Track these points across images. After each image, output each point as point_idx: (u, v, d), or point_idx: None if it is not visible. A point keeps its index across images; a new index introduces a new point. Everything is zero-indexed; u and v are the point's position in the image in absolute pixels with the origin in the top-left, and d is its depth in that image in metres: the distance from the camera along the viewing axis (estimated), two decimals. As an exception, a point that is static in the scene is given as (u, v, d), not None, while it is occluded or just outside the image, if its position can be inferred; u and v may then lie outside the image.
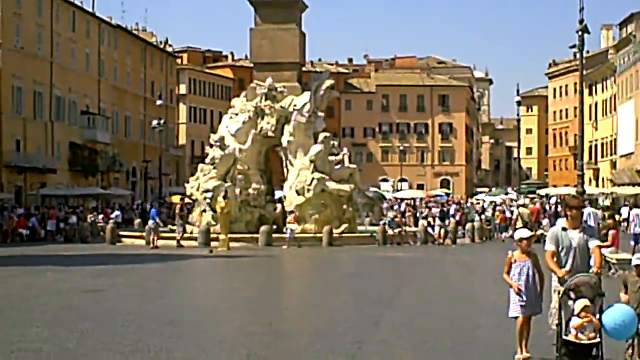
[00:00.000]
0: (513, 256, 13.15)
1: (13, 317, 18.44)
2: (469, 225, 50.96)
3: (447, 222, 51.27)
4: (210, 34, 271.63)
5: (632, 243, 33.69)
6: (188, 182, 51.16)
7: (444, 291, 24.42)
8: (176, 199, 70.55)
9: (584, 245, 12.07)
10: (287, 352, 14.82)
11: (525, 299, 12.85)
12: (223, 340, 15.58)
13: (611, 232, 27.45)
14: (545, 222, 47.81)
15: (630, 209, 48.59)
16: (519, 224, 39.21)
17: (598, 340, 11.36)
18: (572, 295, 11.58)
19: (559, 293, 11.83)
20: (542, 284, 12.98)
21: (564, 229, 12.19)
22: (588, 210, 36.19)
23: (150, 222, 44.51)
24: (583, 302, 11.43)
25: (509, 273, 13.17)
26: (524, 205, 52.18)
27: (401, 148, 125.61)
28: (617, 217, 51.69)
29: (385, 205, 61.35)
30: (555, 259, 12.14)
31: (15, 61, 69.46)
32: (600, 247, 12.43)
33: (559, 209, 49.60)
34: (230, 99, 78.76)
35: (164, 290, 24.21)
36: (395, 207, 64.49)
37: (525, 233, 13.48)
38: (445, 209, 59.02)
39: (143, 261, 34.98)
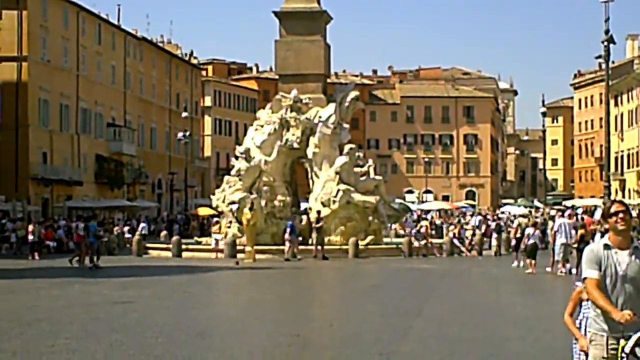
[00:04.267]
0: (583, 291, 9.12)
1: (41, 328, 18.50)
2: (495, 237, 50.69)
3: (502, 234, 50.10)
4: (235, 45, 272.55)
5: None
6: (213, 194, 51.19)
7: (471, 302, 24.35)
8: (203, 211, 70.73)
9: (638, 272, 8.08)
10: (315, 363, 14.81)
11: None
12: (250, 351, 15.58)
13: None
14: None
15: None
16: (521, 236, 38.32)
17: None
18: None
19: (611, 347, 7.97)
20: None
21: (607, 247, 8.14)
22: (560, 220, 35.91)
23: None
24: None
25: (572, 315, 9.42)
26: (523, 216, 51.62)
27: (426, 159, 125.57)
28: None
29: (407, 218, 60.81)
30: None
31: (42, 74, 69.99)
32: None
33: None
34: (255, 110, 79.01)
35: (191, 302, 24.25)
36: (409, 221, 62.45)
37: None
38: (501, 223, 56.82)
39: (170, 273, 35.08)
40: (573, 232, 34.06)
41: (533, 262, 33.62)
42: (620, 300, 7.98)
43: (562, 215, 37.03)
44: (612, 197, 49.16)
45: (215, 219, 51.07)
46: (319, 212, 45.37)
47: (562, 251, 33.05)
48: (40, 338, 16.93)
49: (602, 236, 9.16)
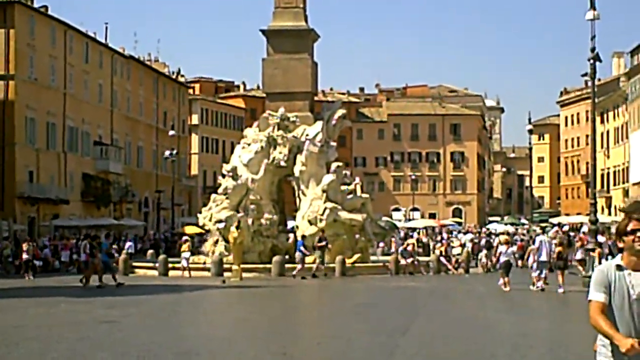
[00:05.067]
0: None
1: (28, 347, 18.45)
2: (481, 254, 50.77)
3: (491, 251, 49.77)
4: (222, 63, 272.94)
5: None
6: (200, 212, 51.12)
7: (458, 320, 24.37)
8: (189, 230, 70.62)
9: None
10: (302, 382, 14.80)
11: None
12: (238, 371, 15.55)
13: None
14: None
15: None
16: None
17: None
18: None
19: None
20: None
21: (619, 268, 7.28)
22: (540, 237, 36.46)
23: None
24: None
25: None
26: (503, 233, 51.69)
27: (413, 177, 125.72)
28: None
29: (393, 237, 60.79)
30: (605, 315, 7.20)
31: (29, 92, 69.94)
32: None
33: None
34: (242, 128, 79.06)
35: (178, 321, 24.22)
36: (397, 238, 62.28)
37: None
38: (490, 239, 56.70)
39: (156, 292, 35.00)
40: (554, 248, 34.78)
41: (506, 279, 33.96)
42: (630, 327, 7.12)
43: (543, 233, 37.38)
44: (599, 214, 49.04)
45: (185, 238, 50.89)
46: (322, 230, 45.11)
47: (540, 268, 33.55)
48: (29, 357, 16.88)
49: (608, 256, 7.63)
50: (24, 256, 46.13)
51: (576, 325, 21.17)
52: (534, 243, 37.16)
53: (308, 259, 43.59)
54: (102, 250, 38.98)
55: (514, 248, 37.22)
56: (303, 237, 45.68)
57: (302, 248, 43.87)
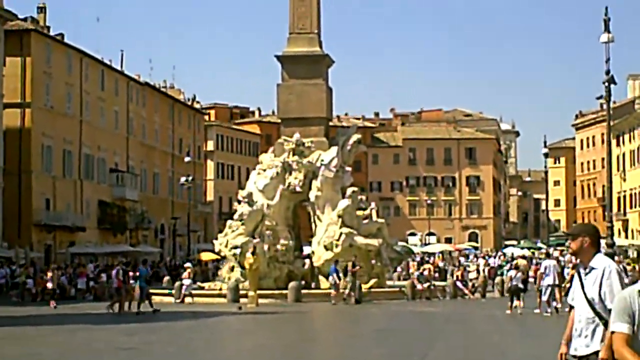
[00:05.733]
0: None
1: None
2: (497, 279, 50.62)
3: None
4: (237, 89, 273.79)
5: None
6: (216, 239, 51.04)
7: (475, 345, 24.32)
8: (205, 256, 70.68)
9: None
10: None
11: None
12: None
13: None
14: None
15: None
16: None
17: None
18: None
19: None
20: None
21: None
22: (546, 262, 36.64)
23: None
24: None
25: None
26: (523, 257, 51.88)
27: (428, 201, 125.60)
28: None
29: (409, 261, 60.69)
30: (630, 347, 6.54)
31: (45, 120, 70.25)
32: None
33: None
34: (257, 154, 79.20)
35: (195, 347, 24.21)
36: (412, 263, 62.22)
37: None
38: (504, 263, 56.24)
39: (173, 318, 35.01)
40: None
41: (516, 303, 34.35)
42: None
43: (549, 257, 37.67)
44: (615, 237, 48.88)
45: (187, 264, 50.88)
46: (355, 256, 45.13)
47: (548, 292, 33.90)
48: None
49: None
50: (49, 285, 45.97)
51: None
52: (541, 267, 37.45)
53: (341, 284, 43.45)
54: (141, 276, 39.08)
55: (520, 274, 37.33)
56: (336, 262, 45.54)
57: (334, 274, 43.65)
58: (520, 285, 36.21)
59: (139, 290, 38.30)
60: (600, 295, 7.77)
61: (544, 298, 34.02)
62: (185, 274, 47.12)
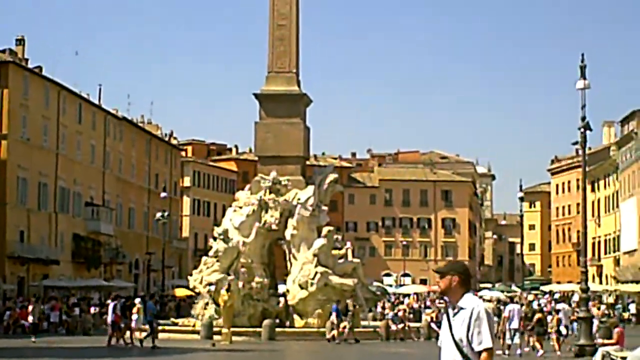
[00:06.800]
0: None
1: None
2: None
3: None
4: (215, 126, 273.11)
5: None
6: (191, 275, 50.92)
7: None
8: (180, 292, 70.35)
9: None
10: None
11: None
12: None
13: (616, 330, 27.38)
14: None
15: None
16: None
17: None
18: None
19: None
20: None
21: None
22: (510, 306, 37.25)
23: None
24: None
25: None
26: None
27: (404, 242, 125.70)
28: (624, 314, 51.92)
29: (384, 302, 60.64)
30: None
31: (21, 152, 69.92)
32: None
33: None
34: (234, 191, 79.01)
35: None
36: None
37: None
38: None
39: (146, 354, 34.80)
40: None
41: None
42: None
43: (512, 302, 38.38)
44: (590, 282, 48.74)
45: (137, 299, 50.85)
46: (352, 296, 45.20)
47: (512, 335, 34.76)
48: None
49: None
50: (30, 318, 45.61)
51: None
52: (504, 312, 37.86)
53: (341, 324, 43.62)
54: (148, 311, 39.33)
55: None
56: (337, 302, 45.47)
57: (334, 313, 43.78)
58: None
59: (148, 326, 38.62)
60: (467, 337, 7.69)
61: (508, 342, 34.59)
62: (134, 309, 46.94)
